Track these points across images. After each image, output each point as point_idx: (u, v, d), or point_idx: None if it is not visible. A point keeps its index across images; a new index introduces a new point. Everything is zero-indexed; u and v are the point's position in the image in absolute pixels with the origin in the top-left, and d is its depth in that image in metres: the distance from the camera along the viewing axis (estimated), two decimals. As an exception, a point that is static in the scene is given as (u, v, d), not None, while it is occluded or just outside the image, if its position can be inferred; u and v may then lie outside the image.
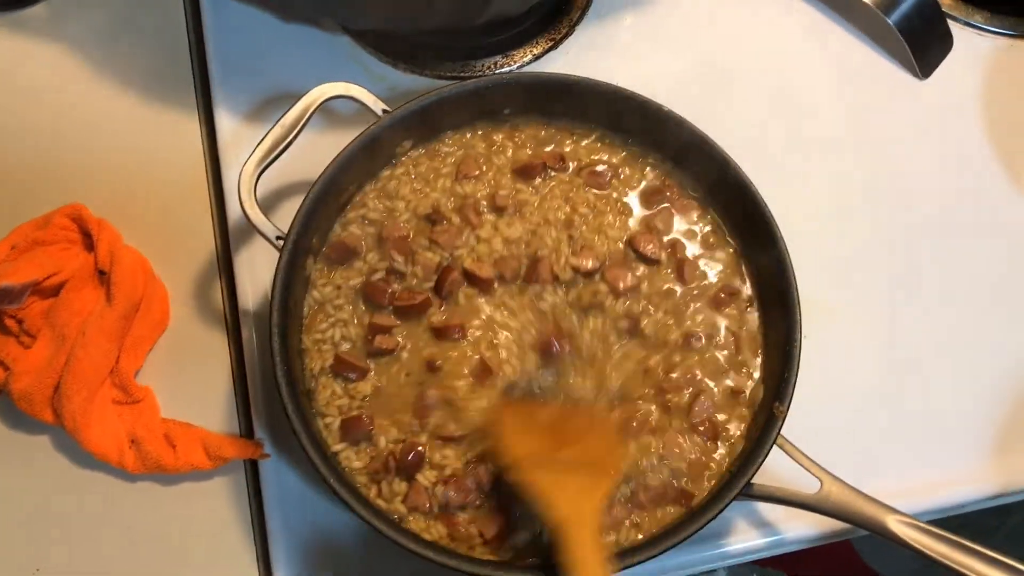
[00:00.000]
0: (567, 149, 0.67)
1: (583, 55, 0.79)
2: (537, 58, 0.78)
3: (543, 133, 0.68)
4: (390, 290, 0.62)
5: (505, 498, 0.59)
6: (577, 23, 0.80)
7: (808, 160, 0.77)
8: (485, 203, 0.65)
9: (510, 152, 0.67)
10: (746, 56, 0.81)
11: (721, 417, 0.62)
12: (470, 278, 0.63)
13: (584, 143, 0.68)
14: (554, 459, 0.56)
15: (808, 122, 0.79)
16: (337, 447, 0.60)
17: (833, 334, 0.68)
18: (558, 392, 0.61)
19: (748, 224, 0.64)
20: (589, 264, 0.63)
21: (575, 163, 0.67)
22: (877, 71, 0.81)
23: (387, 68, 0.77)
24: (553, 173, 0.67)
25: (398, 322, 0.62)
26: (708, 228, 0.66)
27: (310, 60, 0.77)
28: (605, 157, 0.67)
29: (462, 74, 0.77)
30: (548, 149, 0.67)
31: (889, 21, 0.79)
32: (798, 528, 0.66)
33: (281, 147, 0.63)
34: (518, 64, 0.78)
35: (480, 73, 0.77)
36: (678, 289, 0.64)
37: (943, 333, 0.73)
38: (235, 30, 0.77)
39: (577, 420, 0.60)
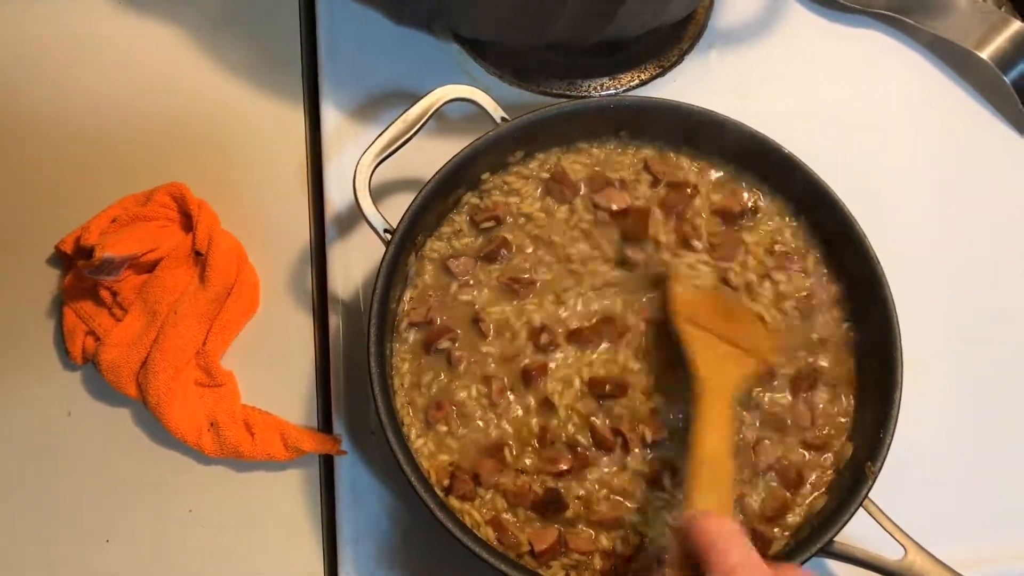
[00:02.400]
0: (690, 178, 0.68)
1: (690, 85, 0.78)
2: (644, 83, 0.78)
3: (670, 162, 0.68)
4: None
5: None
6: (687, 52, 0.79)
7: (906, 211, 0.76)
8: None
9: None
10: (853, 102, 0.80)
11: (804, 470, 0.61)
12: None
13: (712, 176, 0.68)
14: (717, 325, 0.60)
15: (909, 171, 0.77)
16: (417, 443, 0.60)
17: (923, 391, 0.66)
18: None
19: (854, 273, 0.64)
20: None
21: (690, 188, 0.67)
22: (985, 127, 0.80)
23: (494, 79, 0.77)
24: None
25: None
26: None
27: (418, 64, 0.77)
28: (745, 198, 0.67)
29: (568, 92, 0.77)
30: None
31: (1006, 79, 0.77)
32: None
33: (400, 142, 0.63)
34: (624, 87, 0.78)
35: (586, 93, 0.77)
36: None
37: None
38: (347, 27, 0.77)
39: (743, 311, 0.63)
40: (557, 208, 0.66)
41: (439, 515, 0.55)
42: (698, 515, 0.48)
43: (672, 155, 0.67)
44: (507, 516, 0.59)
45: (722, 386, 0.56)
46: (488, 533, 0.58)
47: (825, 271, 0.65)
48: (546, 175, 0.66)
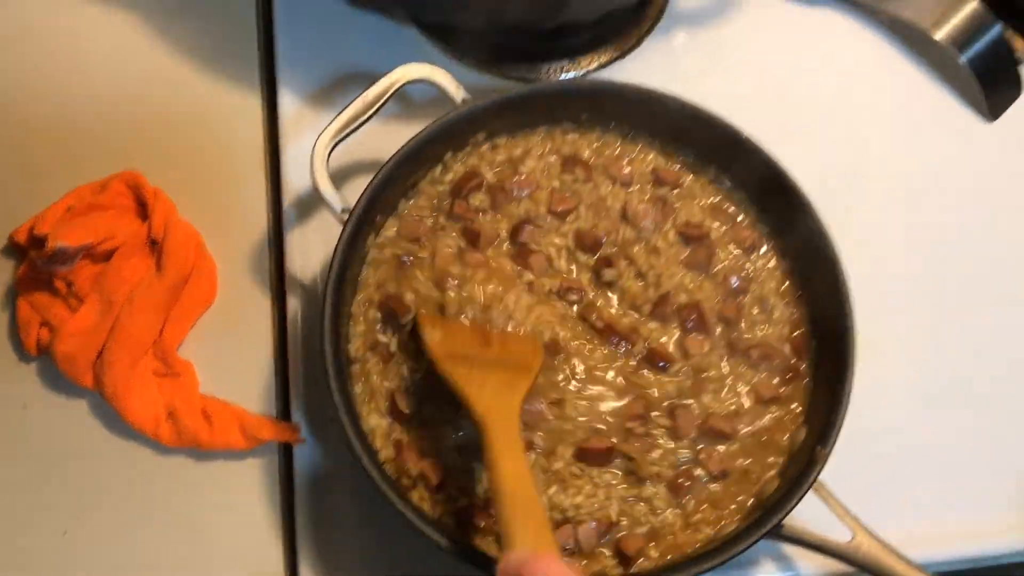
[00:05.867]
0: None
1: (647, 69, 0.78)
2: (603, 66, 0.78)
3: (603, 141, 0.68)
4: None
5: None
6: (646, 35, 0.79)
7: (865, 193, 0.76)
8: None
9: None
10: (810, 82, 0.80)
11: None
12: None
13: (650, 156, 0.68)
14: (475, 356, 0.59)
15: (868, 154, 0.78)
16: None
17: (872, 372, 0.67)
18: None
19: (808, 256, 0.64)
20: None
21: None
22: (944, 108, 0.80)
23: (452, 63, 0.77)
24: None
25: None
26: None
27: (378, 48, 0.76)
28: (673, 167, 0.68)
29: (528, 75, 0.77)
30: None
31: (962, 59, 0.78)
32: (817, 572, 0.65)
33: (358, 122, 0.63)
34: (584, 70, 0.77)
35: (546, 76, 0.77)
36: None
37: (986, 383, 0.71)
38: (305, 10, 0.77)
39: (493, 331, 0.62)
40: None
41: (399, 506, 0.55)
42: (524, 559, 0.45)
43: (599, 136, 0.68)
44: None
45: (504, 417, 0.54)
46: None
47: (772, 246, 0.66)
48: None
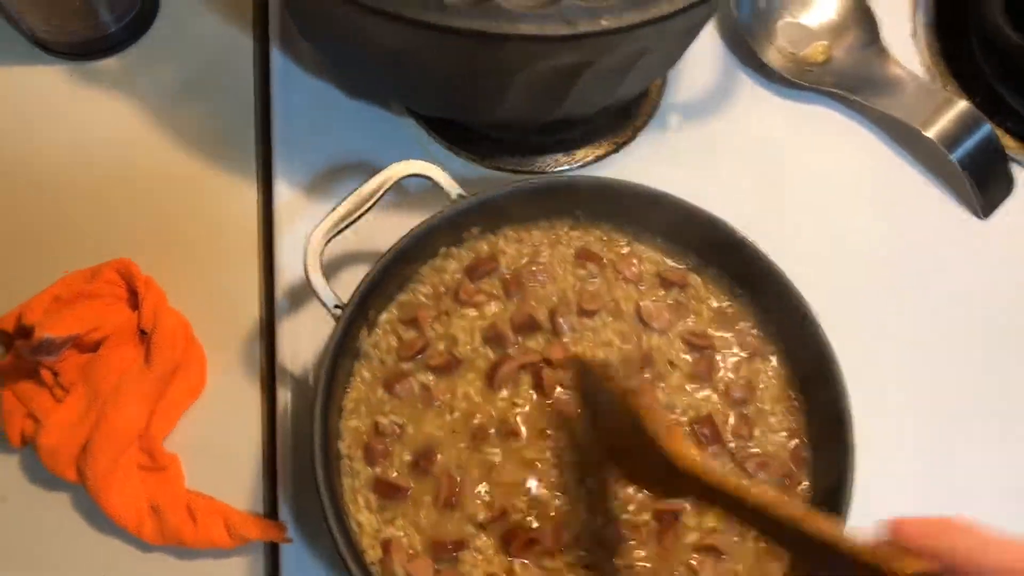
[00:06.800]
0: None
1: (643, 161, 0.79)
2: (599, 159, 0.78)
3: (608, 237, 0.69)
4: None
5: None
6: (641, 129, 0.80)
7: (859, 289, 0.76)
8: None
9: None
10: (803, 177, 0.80)
11: None
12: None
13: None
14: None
15: (862, 249, 0.78)
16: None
17: (872, 470, 0.66)
18: None
19: (807, 363, 0.64)
20: None
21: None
22: (937, 205, 0.81)
23: (448, 154, 0.77)
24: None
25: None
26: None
27: (373, 137, 0.77)
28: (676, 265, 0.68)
29: (521, 168, 0.77)
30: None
31: (952, 157, 0.79)
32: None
33: (353, 217, 0.63)
34: (580, 163, 0.78)
35: (540, 170, 0.77)
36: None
37: (987, 484, 0.71)
38: (302, 99, 0.77)
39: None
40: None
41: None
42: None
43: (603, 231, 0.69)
44: None
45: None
46: None
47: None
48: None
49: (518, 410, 0.62)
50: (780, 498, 0.47)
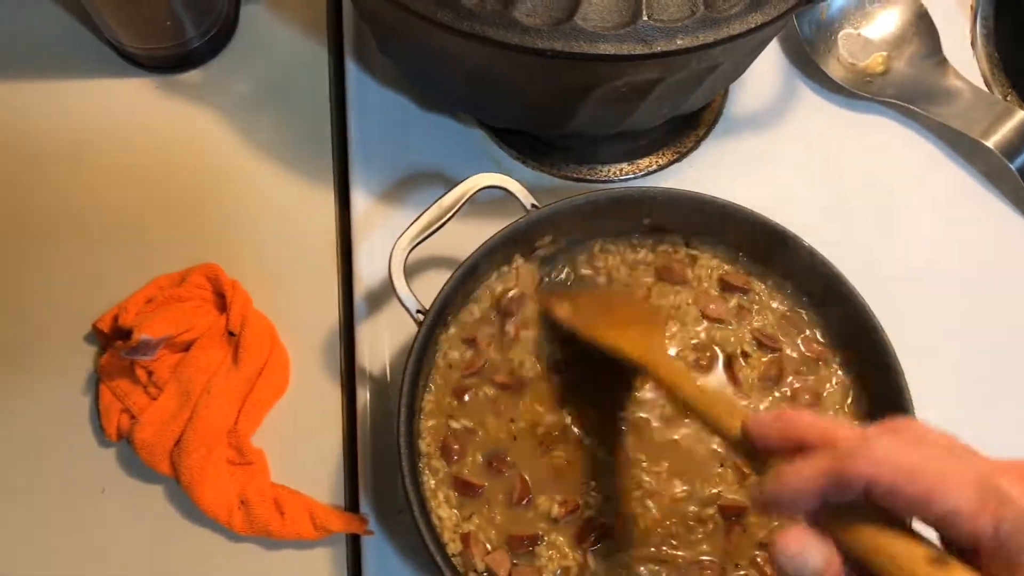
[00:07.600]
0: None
1: (705, 170, 0.81)
2: (662, 168, 0.81)
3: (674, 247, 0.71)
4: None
5: None
6: (703, 139, 0.82)
7: (919, 298, 0.77)
8: None
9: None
10: (862, 186, 0.82)
11: None
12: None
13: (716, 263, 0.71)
14: (611, 322, 0.63)
15: (922, 258, 0.80)
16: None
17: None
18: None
19: (871, 368, 0.65)
20: None
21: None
22: (994, 213, 0.82)
23: (516, 164, 0.80)
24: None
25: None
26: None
27: (444, 148, 0.80)
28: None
29: (588, 176, 0.80)
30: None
31: (1012, 166, 0.80)
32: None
33: (434, 227, 0.66)
34: (643, 172, 0.80)
35: (606, 177, 0.80)
36: None
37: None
38: (376, 111, 0.80)
39: (611, 294, 0.69)
40: None
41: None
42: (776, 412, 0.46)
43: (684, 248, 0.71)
44: None
45: (659, 352, 0.59)
46: None
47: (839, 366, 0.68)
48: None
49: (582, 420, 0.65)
50: (681, 378, 0.54)
